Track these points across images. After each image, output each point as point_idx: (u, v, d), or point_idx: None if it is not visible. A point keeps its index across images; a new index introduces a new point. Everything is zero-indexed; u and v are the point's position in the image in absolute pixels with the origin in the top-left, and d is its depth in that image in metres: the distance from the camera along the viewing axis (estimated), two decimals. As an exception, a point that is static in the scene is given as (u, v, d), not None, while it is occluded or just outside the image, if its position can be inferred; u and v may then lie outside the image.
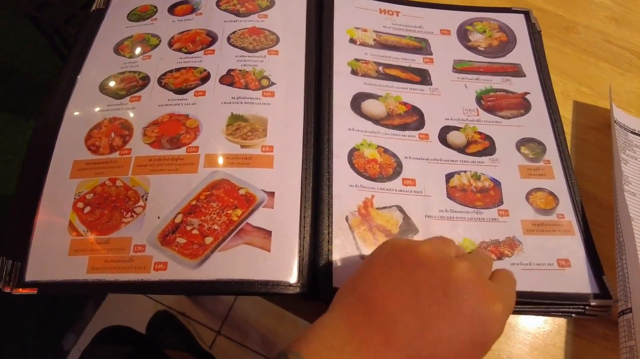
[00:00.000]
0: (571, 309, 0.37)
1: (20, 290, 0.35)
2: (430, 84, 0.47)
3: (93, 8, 0.52)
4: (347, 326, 0.27)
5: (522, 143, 0.44)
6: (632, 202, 0.41)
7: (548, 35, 0.53)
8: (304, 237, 0.37)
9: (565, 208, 0.41)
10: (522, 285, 0.37)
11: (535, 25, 0.53)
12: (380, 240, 0.38)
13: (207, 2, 0.51)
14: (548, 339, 0.37)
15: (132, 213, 0.38)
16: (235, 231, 0.36)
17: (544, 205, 0.41)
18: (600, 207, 0.42)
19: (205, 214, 0.37)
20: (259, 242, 0.36)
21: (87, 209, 0.38)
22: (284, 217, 0.37)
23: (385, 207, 0.40)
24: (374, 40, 0.50)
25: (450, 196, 0.41)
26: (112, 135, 0.41)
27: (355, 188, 0.40)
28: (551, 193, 0.42)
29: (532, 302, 0.36)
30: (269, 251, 0.36)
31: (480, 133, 0.45)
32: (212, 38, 0.48)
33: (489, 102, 0.47)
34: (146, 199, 0.38)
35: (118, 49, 0.47)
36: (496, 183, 0.42)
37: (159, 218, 0.37)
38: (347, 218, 0.39)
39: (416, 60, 0.49)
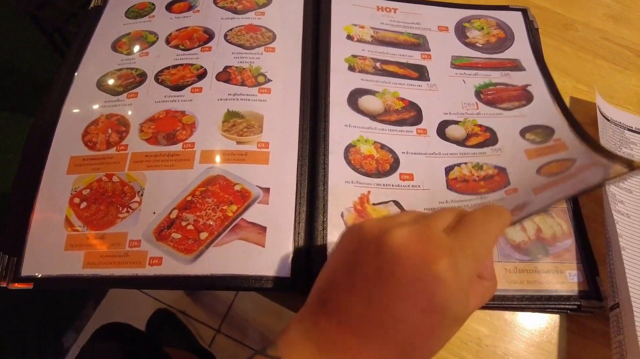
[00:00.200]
0: (567, 306, 0.37)
1: (16, 284, 0.35)
2: (428, 80, 0.47)
3: (91, 5, 0.52)
4: (311, 319, 0.26)
5: (527, 130, 0.44)
6: (628, 199, 0.41)
7: (546, 33, 0.53)
8: (298, 233, 0.37)
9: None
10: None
11: (533, 22, 0.53)
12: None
13: (204, -1, 0.51)
14: (544, 336, 0.37)
15: (128, 209, 0.38)
16: (230, 227, 0.36)
17: (558, 169, 0.38)
18: (597, 204, 0.42)
19: (201, 210, 0.37)
20: (253, 238, 0.36)
21: (84, 204, 0.38)
22: (279, 213, 0.37)
23: (381, 203, 0.40)
24: (372, 36, 0.50)
25: (450, 187, 0.41)
26: (109, 131, 0.41)
27: (352, 184, 0.40)
28: (567, 159, 0.39)
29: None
30: (264, 246, 0.36)
31: (480, 125, 0.44)
32: (209, 35, 0.48)
33: (488, 96, 0.47)
34: (142, 195, 0.38)
35: (116, 46, 0.48)
36: (501, 170, 0.41)
37: (154, 213, 0.37)
38: (342, 214, 0.39)
39: (414, 57, 0.49)
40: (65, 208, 0.38)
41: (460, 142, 0.43)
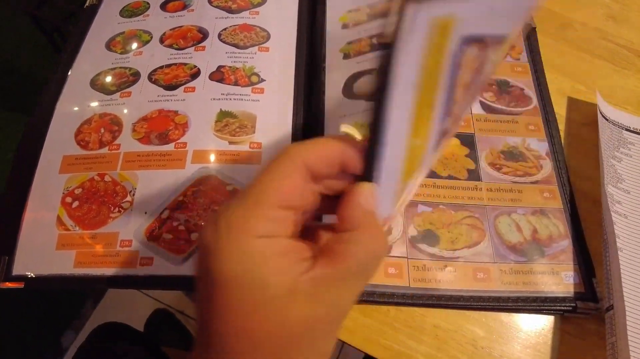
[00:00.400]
0: (562, 308, 0.36)
1: (7, 284, 0.35)
2: None
3: (87, 4, 0.52)
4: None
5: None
6: (625, 199, 0.40)
7: (544, 32, 0.53)
8: None
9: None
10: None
11: (530, 24, 0.52)
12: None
13: (199, -2, 0.51)
14: (540, 337, 0.37)
15: (120, 208, 0.37)
16: (222, 227, 0.36)
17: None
18: (594, 205, 0.42)
19: (192, 210, 0.37)
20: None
21: (76, 204, 0.38)
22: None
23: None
24: (367, 14, 0.49)
25: None
26: (102, 130, 0.41)
27: None
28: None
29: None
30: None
31: None
32: (203, 34, 0.47)
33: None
34: (134, 194, 0.38)
35: (110, 45, 0.47)
36: None
37: (146, 213, 0.37)
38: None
39: None
40: (57, 208, 0.38)
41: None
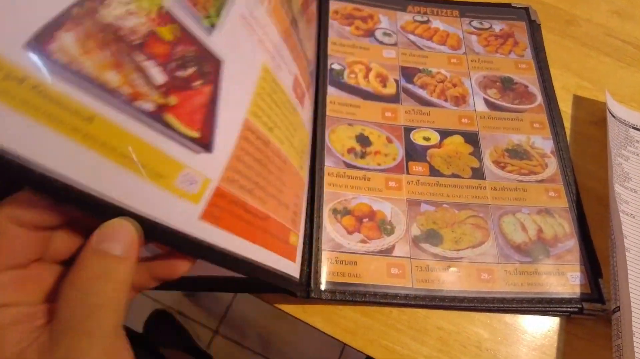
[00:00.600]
0: (568, 309, 0.36)
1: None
2: None
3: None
4: None
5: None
6: (633, 199, 0.39)
7: (549, 28, 0.52)
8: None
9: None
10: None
11: (535, 20, 0.51)
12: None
13: None
14: (546, 339, 0.36)
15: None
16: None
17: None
18: (600, 204, 0.41)
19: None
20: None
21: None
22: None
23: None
24: None
25: None
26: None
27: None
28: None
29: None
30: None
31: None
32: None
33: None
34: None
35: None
36: None
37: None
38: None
39: None
40: None
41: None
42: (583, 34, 0.53)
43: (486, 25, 0.51)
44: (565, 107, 0.47)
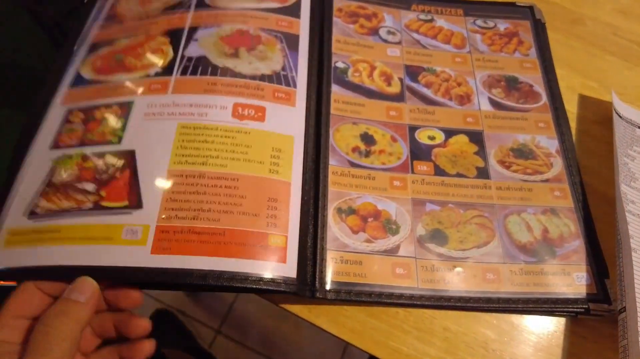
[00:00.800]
0: (574, 310, 0.35)
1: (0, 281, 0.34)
2: None
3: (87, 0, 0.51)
4: None
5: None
6: (639, 199, 0.39)
7: (554, 28, 0.52)
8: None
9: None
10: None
11: (540, 19, 0.51)
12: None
13: None
14: (553, 340, 0.36)
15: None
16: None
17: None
18: (606, 204, 0.41)
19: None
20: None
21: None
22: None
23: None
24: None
25: None
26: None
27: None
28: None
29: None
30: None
31: None
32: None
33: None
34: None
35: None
36: None
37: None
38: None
39: None
40: None
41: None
42: (588, 33, 0.52)
43: (491, 24, 0.51)
44: (571, 107, 0.46)
